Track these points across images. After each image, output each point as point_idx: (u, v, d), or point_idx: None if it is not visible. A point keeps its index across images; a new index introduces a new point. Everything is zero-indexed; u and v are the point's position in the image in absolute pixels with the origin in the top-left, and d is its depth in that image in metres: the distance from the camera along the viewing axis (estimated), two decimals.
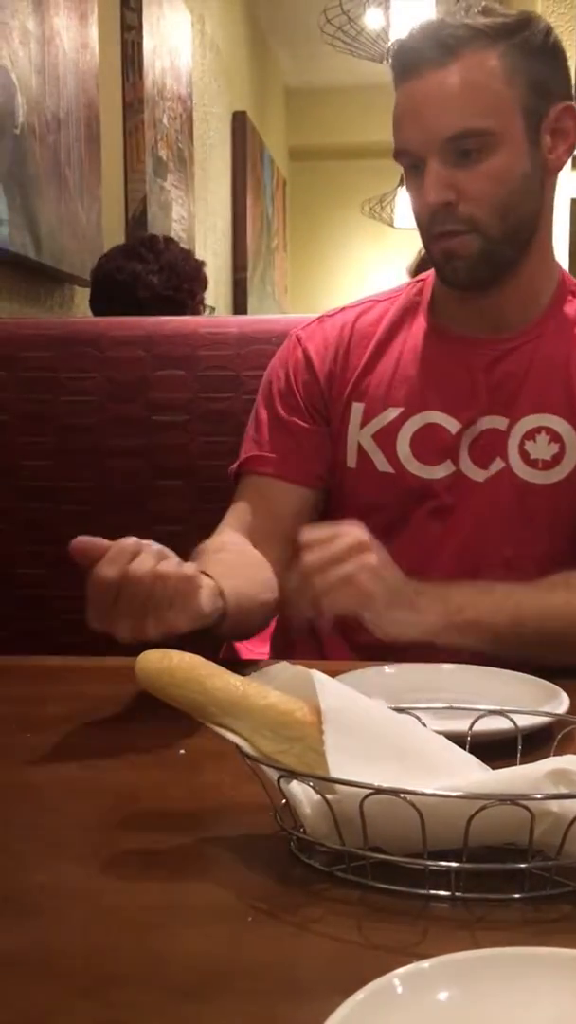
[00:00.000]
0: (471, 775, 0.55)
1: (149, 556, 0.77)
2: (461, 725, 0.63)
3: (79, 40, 2.12)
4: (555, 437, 1.00)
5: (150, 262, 1.80)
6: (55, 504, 1.31)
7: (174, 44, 3.01)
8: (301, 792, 0.52)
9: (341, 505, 1.07)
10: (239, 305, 4.24)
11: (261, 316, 1.13)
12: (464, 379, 1.02)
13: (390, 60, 0.98)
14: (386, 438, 1.03)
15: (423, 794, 0.49)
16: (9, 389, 1.33)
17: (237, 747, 0.55)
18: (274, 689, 0.57)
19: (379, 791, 0.50)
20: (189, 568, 0.80)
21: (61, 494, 1.31)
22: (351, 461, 1.05)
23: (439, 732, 0.59)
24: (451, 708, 0.66)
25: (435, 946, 0.43)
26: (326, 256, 5.77)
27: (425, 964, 0.37)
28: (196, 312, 1.88)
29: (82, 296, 2.14)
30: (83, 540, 0.77)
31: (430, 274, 1.08)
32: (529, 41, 0.94)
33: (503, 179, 0.95)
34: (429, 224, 0.97)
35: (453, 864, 0.50)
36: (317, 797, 0.52)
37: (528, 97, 0.94)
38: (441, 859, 0.50)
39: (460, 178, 0.94)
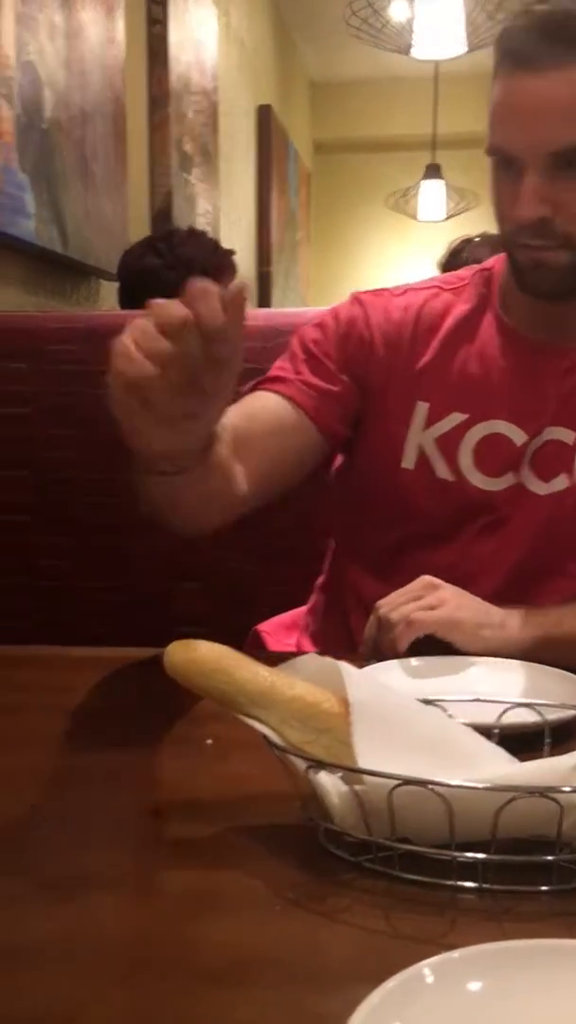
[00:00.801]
0: (499, 767, 0.55)
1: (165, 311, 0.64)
2: (488, 718, 0.63)
3: (105, 34, 2.13)
4: None
5: (165, 256, 1.79)
6: (79, 496, 1.32)
7: (199, 38, 3.01)
8: (329, 782, 0.52)
9: (390, 506, 1.03)
10: (263, 299, 4.24)
11: (287, 309, 1.12)
12: (534, 388, 0.98)
13: (500, 42, 0.90)
14: (449, 444, 0.99)
15: (451, 785, 0.49)
16: (34, 382, 1.34)
17: (265, 737, 0.55)
18: (301, 680, 0.57)
19: (407, 782, 0.50)
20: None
21: (85, 486, 1.32)
22: (408, 462, 1.00)
23: (466, 724, 0.59)
24: (478, 701, 0.66)
25: (463, 937, 0.43)
26: (350, 249, 5.75)
27: (456, 954, 0.37)
28: None
29: (108, 290, 2.15)
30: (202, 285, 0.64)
31: (496, 264, 1.04)
32: None
33: None
34: (516, 233, 0.91)
35: (481, 856, 0.50)
36: (345, 787, 0.52)
37: None
38: (468, 850, 0.50)
39: (560, 191, 0.88)
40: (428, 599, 0.87)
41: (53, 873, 0.53)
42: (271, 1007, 0.42)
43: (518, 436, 0.98)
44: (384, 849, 0.51)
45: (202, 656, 0.56)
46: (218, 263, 1.84)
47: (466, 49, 3.63)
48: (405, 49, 3.59)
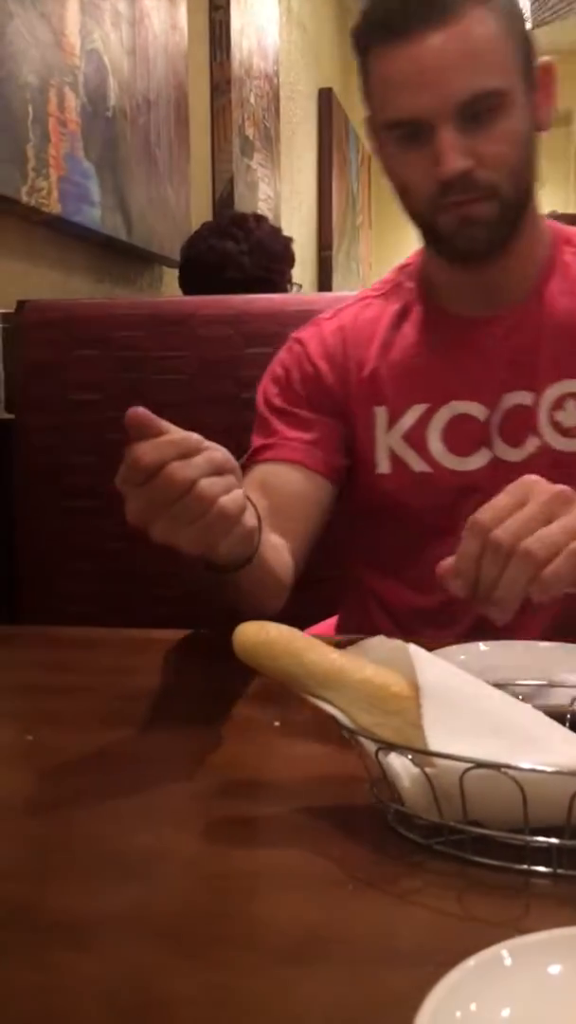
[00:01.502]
0: (572, 752, 0.54)
1: (201, 464, 0.67)
2: (560, 702, 0.62)
3: (168, 21, 2.13)
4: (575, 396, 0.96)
5: (241, 241, 1.80)
6: None
7: (261, 22, 3.00)
8: (399, 765, 0.52)
9: (378, 514, 1.04)
10: (324, 282, 4.23)
11: (348, 293, 1.12)
12: (479, 361, 0.98)
13: (369, 16, 0.90)
14: (416, 438, 1.00)
15: (525, 769, 0.49)
16: (102, 368, 1.35)
17: (335, 718, 0.55)
18: (371, 662, 0.57)
19: (480, 765, 0.49)
20: (233, 500, 0.70)
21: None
22: (383, 467, 1.02)
23: (538, 708, 0.58)
24: (550, 685, 0.65)
25: (537, 922, 0.42)
26: (410, 231, 5.69)
27: (534, 937, 0.37)
28: (284, 290, 1.87)
29: (171, 276, 2.17)
30: (140, 411, 0.67)
31: (414, 257, 1.05)
32: (510, 0, 0.91)
33: (515, 140, 0.90)
34: (440, 194, 0.90)
35: (554, 840, 0.49)
36: (416, 770, 0.52)
37: (521, 55, 0.90)
38: (541, 835, 0.49)
39: (476, 143, 0.88)
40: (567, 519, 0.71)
41: (125, 849, 0.54)
42: (343, 985, 0.42)
43: (480, 411, 0.98)
44: (455, 832, 0.51)
45: (272, 638, 0.57)
46: (280, 251, 1.84)
47: (531, 25, 3.56)
48: None
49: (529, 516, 0.70)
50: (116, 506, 1.35)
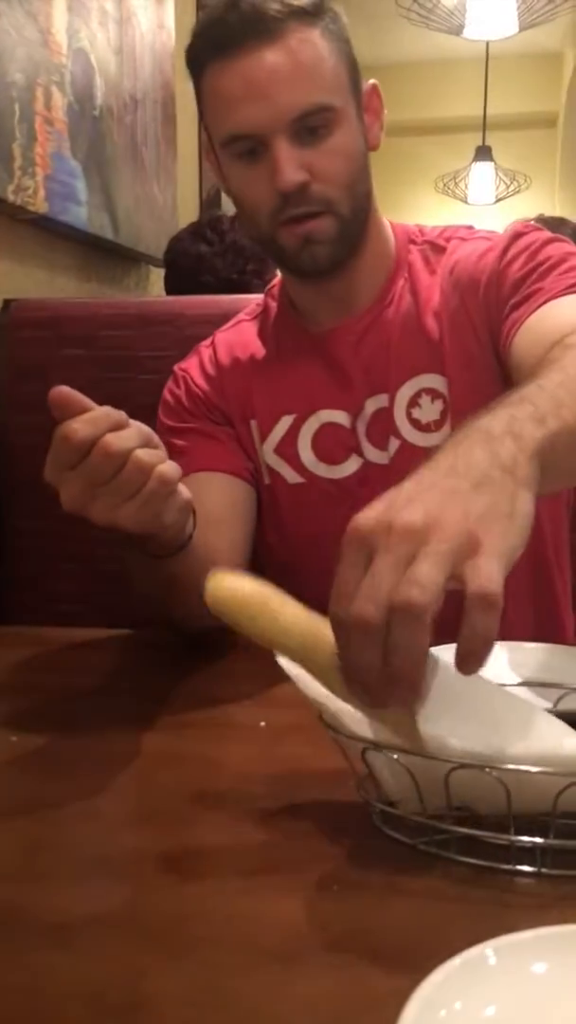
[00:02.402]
0: (563, 741, 0.54)
1: (132, 435, 0.67)
2: (544, 704, 0.63)
3: (155, 20, 2.13)
4: (436, 395, 0.97)
5: (215, 244, 1.79)
6: None
7: None
8: (383, 757, 0.52)
9: (268, 525, 1.05)
10: None
11: None
12: (338, 370, 1.00)
13: (196, 41, 0.92)
14: (286, 449, 1.02)
15: (510, 769, 0.49)
16: (88, 368, 1.35)
17: (320, 717, 0.55)
18: None
19: (463, 765, 0.49)
20: (171, 467, 0.70)
21: None
22: (266, 478, 1.03)
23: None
24: (536, 685, 0.66)
25: (521, 921, 0.43)
26: None
27: (518, 936, 0.37)
28: (263, 291, 1.87)
29: (158, 276, 2.16)
30: (64, 390, 0.66)
31: (277, 283, 1.07)
32: (335, 22, 0.92)
33: (348, 156, 0.92)
34: (278, 210, 0.91)
35: (539, 840, 0.50)
36: (400, 767, 0.52)
37: (349, 76, 0.93)
38: (528, 825, 0.50)
39: (310, 157, 0.90)
40: (429, 555, 0.50)
41: (110, 850, 0.54)
42: (329, 985, 0.42)
43: (345, 419, 1.00)
44: (441, 832, 0.51)
45: (248, 594, 0.54)
46: (258, 252, 1.83)
47: (517, 29, 3.58)
48: (456, 30, 3.55)
49: (385, 570, 0.50)
50: None
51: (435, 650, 0.61)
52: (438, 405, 0.97)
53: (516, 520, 0.52)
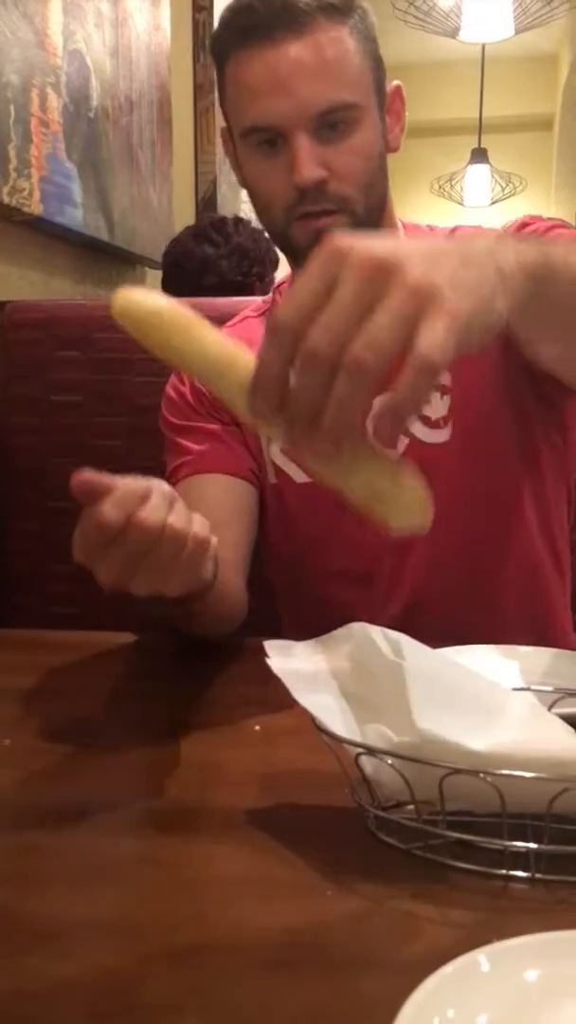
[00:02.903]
0: (562, 744, 0.53)
1: (160, 504, 0.65)
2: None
3: (151, 22, 2.13)
4: (445, 390, 0.96)
5: (220, 246, 1.79)
6: None
7: None
8: (378, 763, 0.52)
9: (274, 525, 1.04)
10: None
11: None
12: None
13: (223, 29, 0.91)
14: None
15: (504, 775, 0.49)
16: (83, 370, 1.35)
17: (314, 722, 0.55)
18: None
19: (457, 771, 0.49)
20: (201, 526, 0.68)
21: (134, 473, 1.33)
22: (272, 477, 1.03)
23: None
24: (530, 689, 0.66)
25: (515, 927, 0.43)
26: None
27: (511, 943, 0.37)
28: (265, 293, 1.87)
29: (153, 277, 2.16)
30: (87, 475, 0.63)
31: (287, 280, 1.06)
32: (364, 20, 0.92)
33: (367, 155, 0.91)
34: (293, 204, 0.90)
35: (533, 845, 0.50)
36: (393, 771, 0.52)
37: (374, 76, 0.92)
38: (523, 823, 0.50)
39: (329, 155, 0.89)
40: (395, 298, 0.49)
41: (104, 855, 0.54)
42: (322, 991, 0.42)
43: None
44: (435, 837, 0.51)
45: (165, 308, 0.52)
46: (261, 255, 1.84)
47: (513, 31, 3.58)
48: (452, 32, 3.55)
49: (345, 308, 0.49)
50: None
51: (436, 651, 0.61)
52: (447, 401, 0.97)
53: (487, 304, 0.51)
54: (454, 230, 1.04)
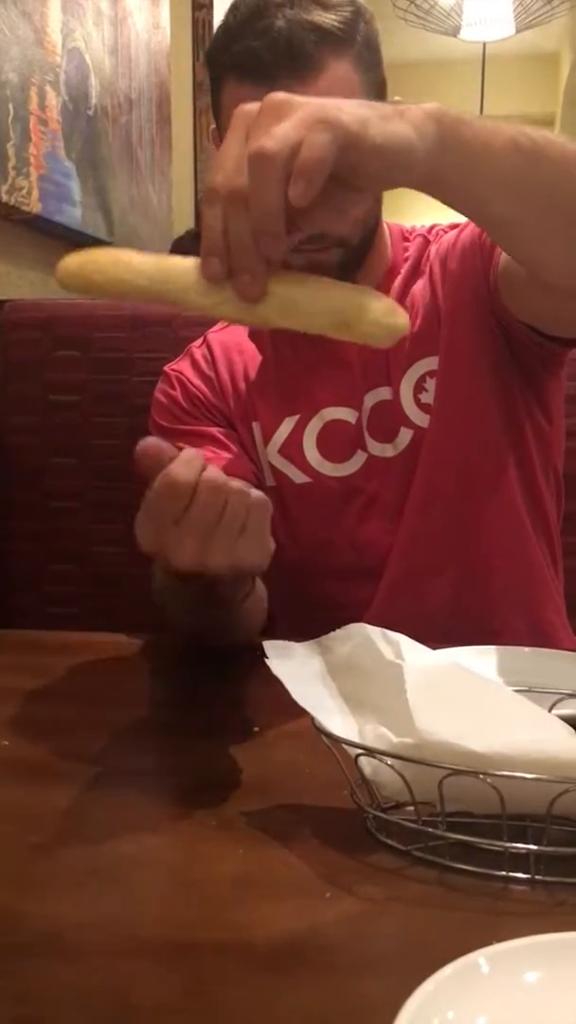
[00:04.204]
0: (558, 738, 0.53)
1: (213, 469, 0.64)
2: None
3: (151, 20, 2.13)
4: (432, 373, 0.98)
5: None
6: (128, 483, 1.33)
7: None
8: (377, 765, 0.52)
9: (276, 527, 1.03)
10: None
11: None
12: (338, 368, 1.00)
13: (222, 50, 0.87)
14: (291, 450, 1.02)
15: (505, 776, 0.49)
16: (82, 369, 1.35)
17: (314, 723, 0.55)
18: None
19: (457, 772, 0.49)
20: (257, 491, 0.66)
21: (134, 474, 1.33)
22: (270, 480, 1.03)
23: None
24: (529, 691, 0.65)
25: (515, 929, 0.43)
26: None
27: (511, 945, 0.37)
28: None
29: None
30: (152, 442, 0.63)
31: None
32: (368, 37, 0.88)
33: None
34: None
35: (533, 847, 0.50)
36: (394, 772, 0.52)
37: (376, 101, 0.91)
38: (523, 825, 0.50)
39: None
40: (291, 121, 0.55)
41: (103, 856, 0.54)
42: (321, 993, 0.42)
43: (349, 415, 1.00)
44: (434, 839, 0.51)
45: (95, 254, 0.58)
46: None
47: (514, 30, 3.58)
48: (453, 31, 3.55)
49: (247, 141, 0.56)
50: (98, 508, 1.35)
51: (435, 652, 0.61)
52: (432, 384, 0.98)
53: (385, 122, 0.57)
54: (431, 228, 1.05)
